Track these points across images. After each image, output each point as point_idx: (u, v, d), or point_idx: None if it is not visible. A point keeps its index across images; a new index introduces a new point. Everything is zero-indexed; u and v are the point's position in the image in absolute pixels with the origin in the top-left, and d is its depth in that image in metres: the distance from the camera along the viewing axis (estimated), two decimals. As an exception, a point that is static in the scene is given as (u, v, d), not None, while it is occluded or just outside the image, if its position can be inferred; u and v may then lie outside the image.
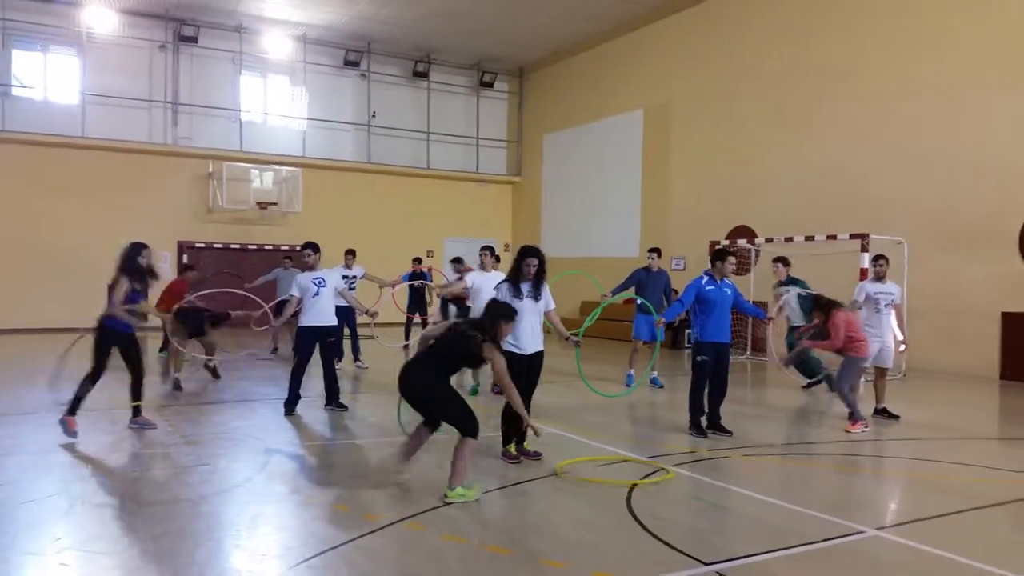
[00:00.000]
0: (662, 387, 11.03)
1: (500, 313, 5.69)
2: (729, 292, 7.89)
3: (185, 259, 18.91)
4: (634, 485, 5.86)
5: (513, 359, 6.20)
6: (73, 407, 7.27)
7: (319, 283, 8.66)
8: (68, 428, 7.17)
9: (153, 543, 4.57)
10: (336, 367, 9.15)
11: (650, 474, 6.21)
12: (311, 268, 8.83)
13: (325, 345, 8.73)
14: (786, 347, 10.98)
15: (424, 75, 22.99)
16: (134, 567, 4.26)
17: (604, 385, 10.43)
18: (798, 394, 10.74)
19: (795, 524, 5.10)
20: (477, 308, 8.90)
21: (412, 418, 5.98)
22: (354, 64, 22.06)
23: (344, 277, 12.11)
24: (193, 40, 19.84)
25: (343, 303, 9.96)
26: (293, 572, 4.19)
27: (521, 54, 23.04)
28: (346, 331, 12.03)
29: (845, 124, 14.99)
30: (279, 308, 11.12)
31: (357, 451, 7.24)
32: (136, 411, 7.71)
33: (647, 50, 19.72)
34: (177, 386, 10.11)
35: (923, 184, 13.64)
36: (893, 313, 9.05)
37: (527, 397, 6.50)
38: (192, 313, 10.45)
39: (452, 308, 12.89)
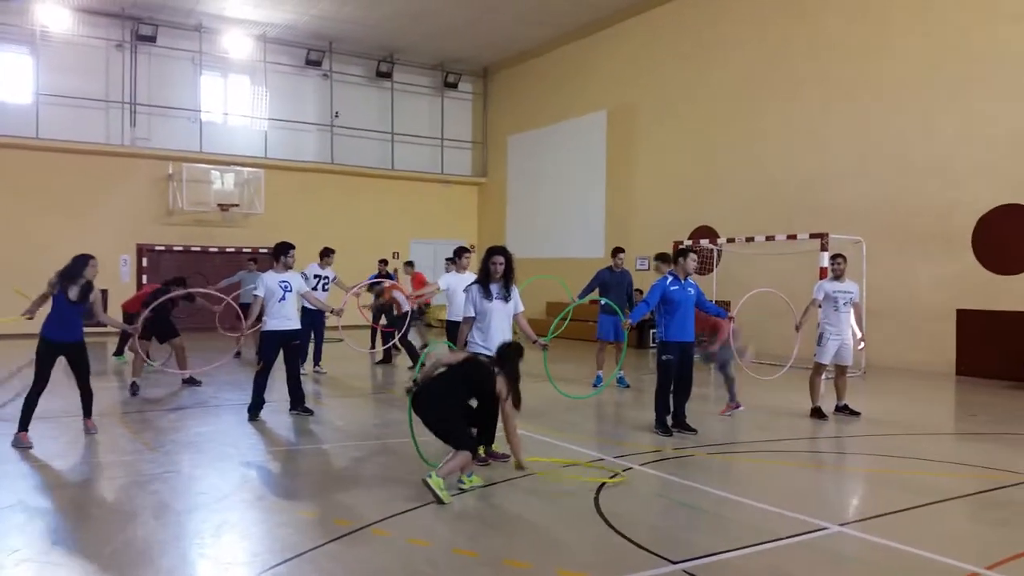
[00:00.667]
0: (628, 387, 11.12)
1: (514, 353, 5.92)
2: (692, 292, 8.03)
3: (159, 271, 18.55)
4: (603, 484, 5.90)
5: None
6: (23, 422, 7.12)
7: (285, 287, 8.55)
8: (21, 443, 7.03)
9: (116, 553, 4.49)
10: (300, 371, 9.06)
11: (614, 476, 6.25)
12: (289, 268, 8.73)
13: (289, 349, 8.64)
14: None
15: (387, 75, 22.87)
16: (96, 578, 4.18)
17: (572, 386, 10.48)
18: (762, 391, 10.88)
19: (760, 521, 5.18)
20: (454, 310, 8.85)
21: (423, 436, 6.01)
22: (316, 64, 21.87)
23: (317, 276, 12.01)
24: (151, 39, 19.52)
25: (310, 306, 9.84)
26: (260, 580, 4.15)
27: (485, 55, 23.03)
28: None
29: (804, 127, 15.28)
30: (244, 311, 10.99)
31: (323, 456, 7.17)
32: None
33: (611, 52, 19.85)
34: (134, 391, 9.98)
35: (878, 186, 13.98)
36: (852, 311, 9.21)
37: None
38: (158, 319, 10.27)
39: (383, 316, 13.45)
